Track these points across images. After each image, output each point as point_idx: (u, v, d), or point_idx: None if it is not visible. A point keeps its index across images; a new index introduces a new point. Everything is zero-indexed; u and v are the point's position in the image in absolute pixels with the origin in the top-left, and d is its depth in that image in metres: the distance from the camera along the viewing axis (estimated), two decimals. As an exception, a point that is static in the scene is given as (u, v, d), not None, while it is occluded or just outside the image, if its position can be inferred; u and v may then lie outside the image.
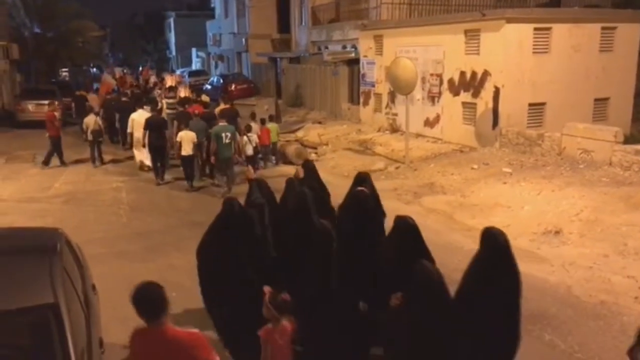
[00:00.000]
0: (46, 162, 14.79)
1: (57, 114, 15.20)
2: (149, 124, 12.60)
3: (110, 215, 10.68)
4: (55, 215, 10.49)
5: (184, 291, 7.23)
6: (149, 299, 3.58)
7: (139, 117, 13.60)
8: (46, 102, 22.36)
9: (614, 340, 5.80)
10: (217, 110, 14.36)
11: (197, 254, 5.30)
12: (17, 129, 21.93)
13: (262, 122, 14.52)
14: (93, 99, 20.20)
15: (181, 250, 8.61)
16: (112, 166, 15.13)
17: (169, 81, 24.11)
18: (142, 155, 13.80)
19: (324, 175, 9.34)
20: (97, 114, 15.76)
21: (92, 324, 4.11)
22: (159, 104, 16.00)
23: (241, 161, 12.27)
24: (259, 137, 13.65)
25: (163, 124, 13.09)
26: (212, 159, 11.76)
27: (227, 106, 14.43)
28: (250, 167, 10.02)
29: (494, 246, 4.07)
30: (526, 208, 9.64)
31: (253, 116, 15.02)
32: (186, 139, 11.81)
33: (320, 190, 6.69)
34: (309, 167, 7.16)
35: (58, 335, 3.36)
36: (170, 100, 16.81)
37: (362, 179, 6.28)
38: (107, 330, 5.09)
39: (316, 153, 16.10)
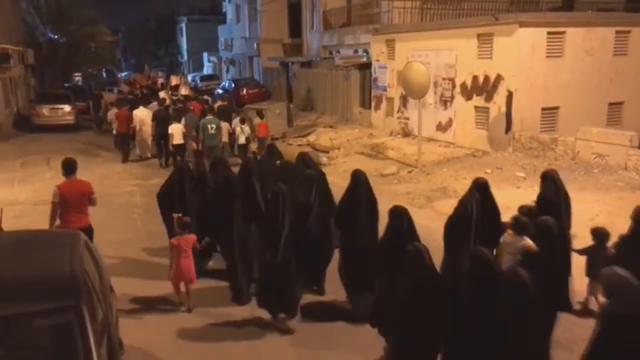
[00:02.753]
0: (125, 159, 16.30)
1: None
2: (155, 117, 15.34)
3: (124, 218, 10.75)
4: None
5: (198, 291, 7.27)
6: (69, 164, 7.06)
7: (139, 112, 16.02)
8: (60, 106, 22.81)
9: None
10: (216, 106, 17.66)
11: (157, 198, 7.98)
12: (31, 133, 22.18)
13: (262, 116, 16.32)
14: (109, 97, 23.41)
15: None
16: (129, 166, 15.90)
17: (174, 81, 29.25)
18: (142, 148, 16.36)
19: (336, 180, 9.41)
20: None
21: (112, 325, 4.15)
22: (167, 100, 19.36)
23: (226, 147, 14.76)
24: (259, 129, 15.61)
25: (167, 117, 15.38)
26: (200, 145, 13.87)
27: (224, 103, 19.16)
28: (192, 142, 14.11)
29: None
30: (540, 213, 9.58)
31: (260, 113, 16.64)
32: (176, 130, 14.22)
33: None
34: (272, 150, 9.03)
35: (81, 336, 3.40)
36: (174, 97, 21.25)
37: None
38: (124, 332, 5.13)
39: (328, 157, 16.12)
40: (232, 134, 15.03)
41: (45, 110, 22.83)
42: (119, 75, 44.92)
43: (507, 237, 5.87)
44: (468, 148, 15.13)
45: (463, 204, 6.35)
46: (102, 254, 5.53)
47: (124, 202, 11.99)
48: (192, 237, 6.66)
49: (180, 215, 6.78)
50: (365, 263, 5.97)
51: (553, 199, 6.45)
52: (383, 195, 8.69)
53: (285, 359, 5.79)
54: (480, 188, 6.40)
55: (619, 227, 8.59)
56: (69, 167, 7.01)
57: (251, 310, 6.61)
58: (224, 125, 14.56)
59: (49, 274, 3.92)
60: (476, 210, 6.13)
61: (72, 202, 6.91)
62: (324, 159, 15.71)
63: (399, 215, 5.34)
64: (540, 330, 4.16)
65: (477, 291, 4.14)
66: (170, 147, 14.80)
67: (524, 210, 6.22)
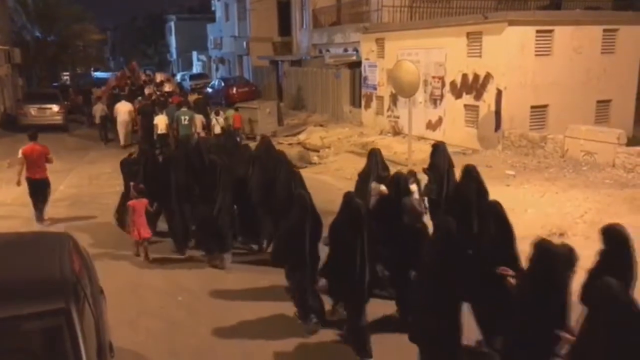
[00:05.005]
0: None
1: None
2: (141, 111, 17.46)
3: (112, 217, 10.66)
4: (60, 219, 10.50)
5: (190, 294, 7.27)
6: (32, 134, 10.03)
7: (119, 106, 18.22)
8: (48, 106, 22.63)
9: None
10: (192, 99, 20.21)
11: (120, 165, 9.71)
12: (19, 133, 21.91)
13: (236, 109, 18.46)
14: (98, 92, 25.35)
15: (187, 253, 8.63)
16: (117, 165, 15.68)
17: (159, 78, 31.10)
18: (121, 136, 18.08)
19: (327, 179, 9.39)
20: (103, 102, 20.15)
21: (102, 328, 4.12)
22: (152, 96, 21.55)
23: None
24: (234, 120, 17.35)
25: (152, 111, 17.04)
26: (175, 134, 15.52)
27: (200, 97, 22.20)
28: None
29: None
30: (530, 210, 9.63)
31: (236, 108, 18.92)
32: (161, 122, 15.69)
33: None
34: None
35: (70, 340, 3.36)
36: (159, 93, 23.30)
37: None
38: (115, 334, 5.10)
39: (318, 156, 16.11)
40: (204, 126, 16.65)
41: (32, 110, 22.53)
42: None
43: (374, 185, 7.17)
44: (458, 146, 15.16)
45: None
46: (93, 255, 5.49)
47: (115, 203, 11.88)
48: (145, 201, 8.32)
49: (136, 183, 8.60)
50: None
51: (441, 165, 7.80)
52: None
53: None
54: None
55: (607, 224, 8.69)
56: (32, 136, 10.20)
57: (237, 311, 6.60)
58: (198, 117, 16.03)
59: (38, 276, 3.88)
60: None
61: (32, 159, 9.91)
62: (314, 157, 15.69)
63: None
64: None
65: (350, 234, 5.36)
66: (155, 136, 16.09)
67: (409, 172, 7.93)
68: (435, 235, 4.98)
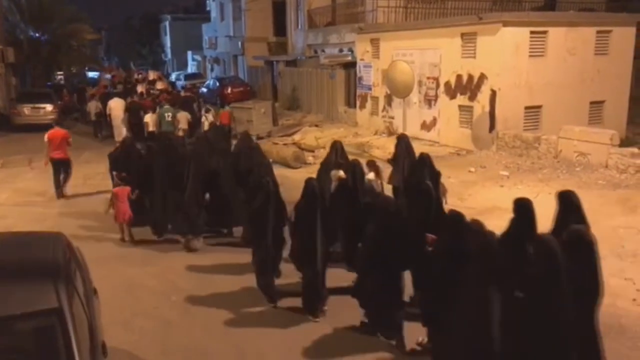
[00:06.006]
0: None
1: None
2: (129, 109, 17.61)
3: (109, 219, 10.60)
4: (53, 219, 10.48)
5: (184, 294, 7.27)
6: (55, 122, 14.42)
7: (113, 103, 18.50)
8: (42, 105, 22.54)
9: (613, 342, 5.80)
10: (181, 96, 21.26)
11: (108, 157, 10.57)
12: (12, 132, 21.85)
13: (222, 106, 18.99)
14: (92, 91, 25.27)
15: (181, 253, 8.62)
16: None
17: (151, 76, 31.97)
18: (116, 133, 17.99)
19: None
20: (96, 99, 20.93)
21: (95, 328, 4.11)
22: (144, 94, 21.93)
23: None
24: (222, 117, 17.32)
25: (139, 108, 17.59)
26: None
27: (187, 95, 22.26)
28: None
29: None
30: (524, 211, 9.67)
31: (223, 105, 19.60)
32: (151, 120, 16.10)
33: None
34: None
35: (63, 339, 3.36)
36: (152, 91, 24.09)
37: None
38: (109, 334, 5.08)
39: (313, 156, 16.09)
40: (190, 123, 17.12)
41: (26, 109, 22.46)
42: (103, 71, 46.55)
43: (334, 172, 7.66)
44: (452, 147, 15.23)
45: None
46: (86, 255, 5.47)
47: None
48: (127, 188, 9.10)
49: (119, 172, 9.55)
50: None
51: (402, 156, 8.75)
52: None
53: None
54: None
55: (601, 224, 8.73)
56: (56, 122, 14.42)
57: (231, 311, 6.61)
58: (183, 114, 16.51)
59: (30, 276, 3.86)
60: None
61: (55, 142, 11.86)
62: (309, 157, 15.68)
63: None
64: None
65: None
66: (146, 134, 16.32)
67: (369, 161, 8.42)
68: (377, 211, 5.79)
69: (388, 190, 8.52)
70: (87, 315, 4.05)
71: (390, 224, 5.47)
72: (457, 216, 5.00)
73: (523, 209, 5.29)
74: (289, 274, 7.04)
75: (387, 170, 9.16)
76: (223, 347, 5.99)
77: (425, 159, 7.73)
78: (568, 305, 3.96)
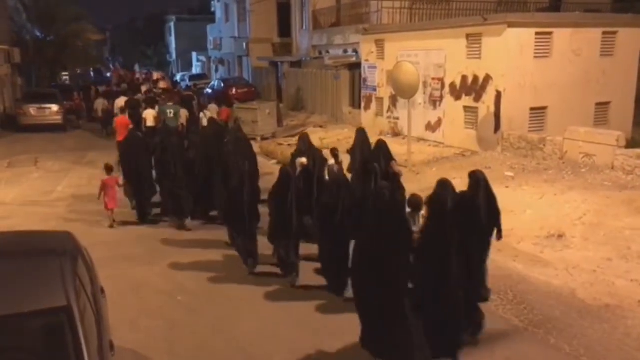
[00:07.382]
0: None
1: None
2: (129, 105, 18.01)
3: (115, 218, 10.67)
4: (59, 219, 10.52)
5: (189, 294, 7.29)
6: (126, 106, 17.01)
7: (120, 101, 19.12)
8: (48, 105, 22.65)
9: (619, 343, 5.82)
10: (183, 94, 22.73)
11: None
12: (18, 133, 21.95)
13: (219, 104, 19.32)
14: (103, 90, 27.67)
15: (186, 253, 8.65)
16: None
17: (155, 76, 34.45)
18: None
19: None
20: (103, 97, 22.22)
21: (103, 327, 4.13)
22: (149, 93, 23.17)
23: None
24: (221, 114, 18.00)
25: (139, 105, 18.34)
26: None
27: (188, 93, 23.84)
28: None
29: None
30: (529, 212, 9.66)
31: (219, 103, 19.80)
32: (149, 115, 16.46)
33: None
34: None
35: (71, 338, 3.38)
36: (155, 90, 25.53)
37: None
38: (115, 333, 5.11)
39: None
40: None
41: (32, 109, 22.57)
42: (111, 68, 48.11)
43: (298, 160, 8.80)
44: (457, 148, 15.20)
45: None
46: (94, 255, 5.49)
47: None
48: (116, 177, 10.08)
49: (107, 163, 10.33)
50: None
51: (359, 146, 9.96)
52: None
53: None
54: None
55: (606, 226, 8.73)
56: (123, 110, 16.65)
57: (236, 310, 6.59)
58: (183, 111, 16.89)
59: (39, 274, 3.88)
60: None
61: (122, 126, 14.30)
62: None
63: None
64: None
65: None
66: (143, 129, 16.66)
67: (331, 150, 9.96)
68: (328, 184, 7.35)
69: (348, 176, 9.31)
70: (95, 314, 4.07)
71: (339, 195, 6.72)
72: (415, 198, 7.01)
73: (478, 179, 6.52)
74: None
75: (346, 160, 10.30)
76: (229, 347, 6.00)
77: (381, 145, 9.04)
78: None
